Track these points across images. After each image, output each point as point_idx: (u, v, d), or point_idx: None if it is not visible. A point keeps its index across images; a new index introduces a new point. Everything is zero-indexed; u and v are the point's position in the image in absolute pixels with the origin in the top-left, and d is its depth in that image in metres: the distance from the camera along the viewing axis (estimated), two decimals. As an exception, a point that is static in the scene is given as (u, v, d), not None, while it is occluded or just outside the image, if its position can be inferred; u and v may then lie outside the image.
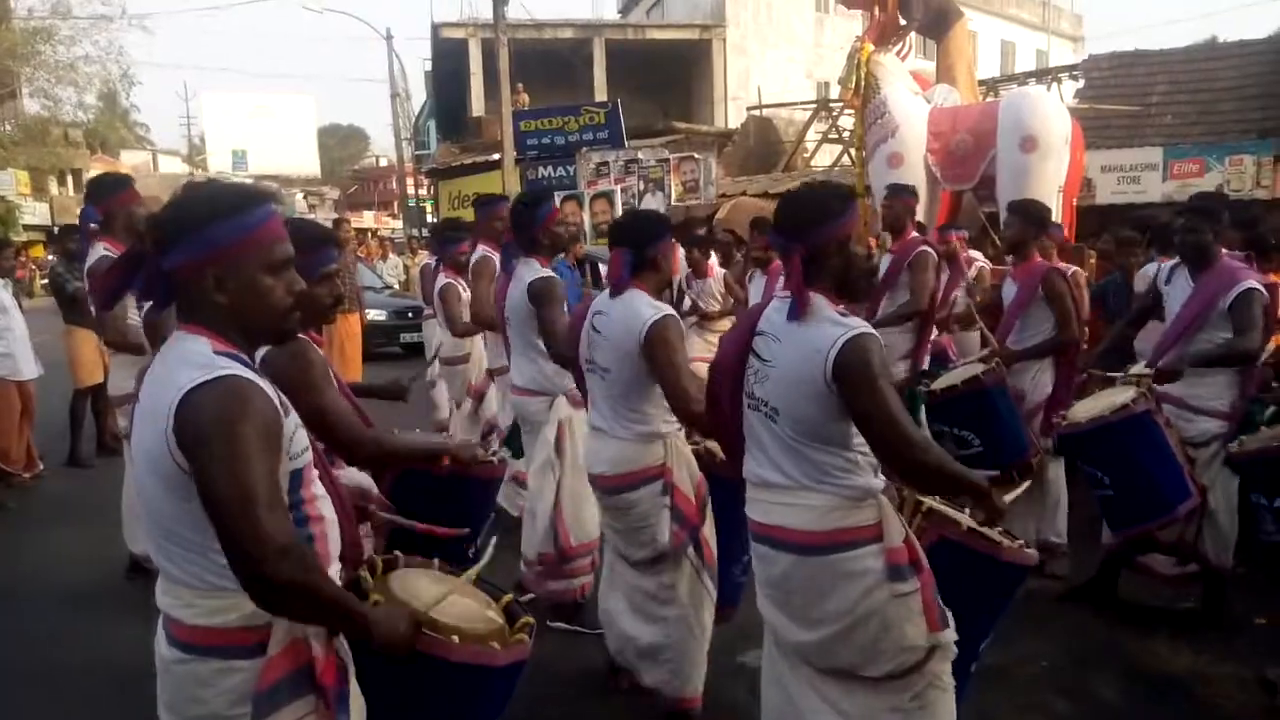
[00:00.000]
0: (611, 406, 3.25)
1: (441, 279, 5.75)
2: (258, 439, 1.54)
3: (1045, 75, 17.57)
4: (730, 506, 2.90)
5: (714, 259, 7.41)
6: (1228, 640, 3.92)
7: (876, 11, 9.45)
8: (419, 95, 33.52)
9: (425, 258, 10.14)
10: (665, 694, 3.28)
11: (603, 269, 8.48)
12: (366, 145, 68.37)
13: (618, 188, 15.13)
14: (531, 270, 3.99)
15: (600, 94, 22.28)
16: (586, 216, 14.66)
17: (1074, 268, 5.72)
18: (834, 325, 2.27)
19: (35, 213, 31.20)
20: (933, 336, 5.59)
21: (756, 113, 19.94)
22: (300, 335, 2.17)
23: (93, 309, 5.13)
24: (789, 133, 19.14)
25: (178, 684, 1.67)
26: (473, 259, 5.21)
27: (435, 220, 20.68)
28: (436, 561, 2.20)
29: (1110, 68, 14.72)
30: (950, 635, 2.33)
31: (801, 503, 2.34)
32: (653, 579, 3.27)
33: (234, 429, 1.52)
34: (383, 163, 56.18)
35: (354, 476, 2.49)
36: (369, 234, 29.97)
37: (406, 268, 16.35)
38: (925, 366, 5.40)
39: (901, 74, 9.15)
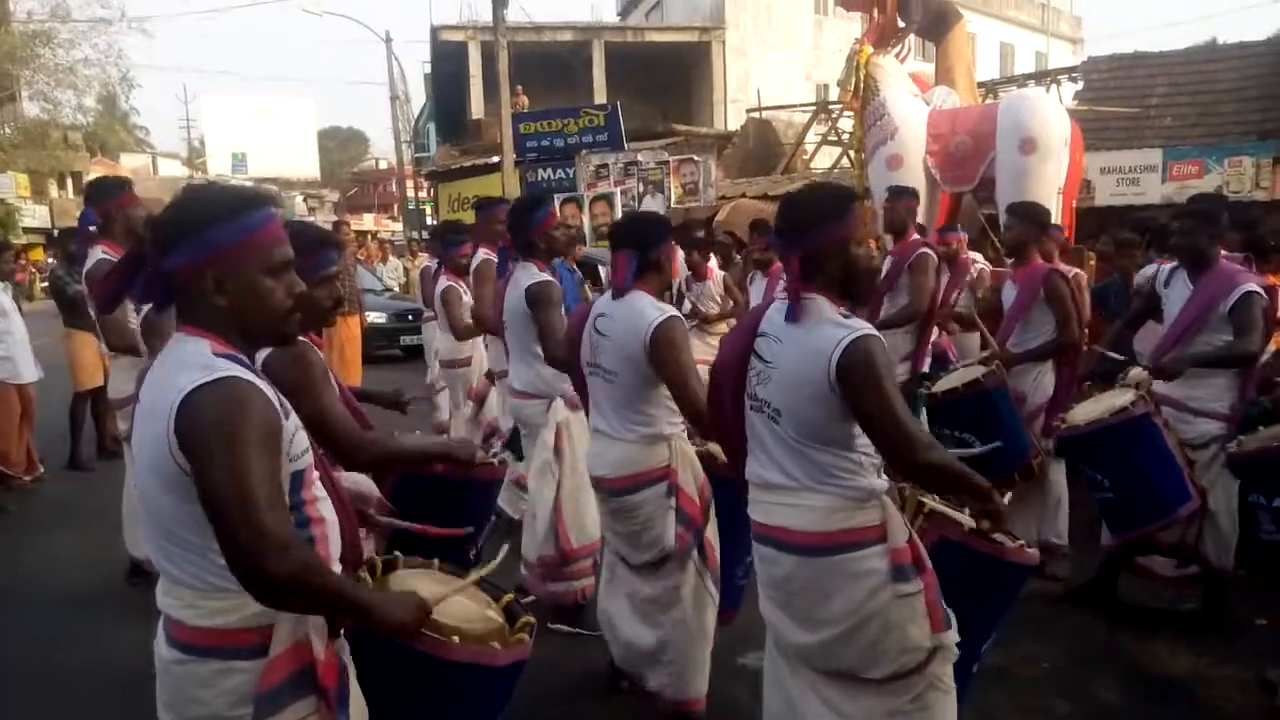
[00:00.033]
0: (615, 409, 3.23)
1: (443, 282, 5.76)
2: (258, 440, 1.54)
3: (1044, 77, 17.58)
4: (732, 509, 2.89)
5: (713, 261, 7.40)
6: (1228, 642, 3.92)
7: (875, 14, 9.45)
8: (419, 98, 33.57)
9: (425, 260, 10.15)
10: (667, 696, 3.27)
11: (602, 271, 8.51)
12: (366, 148, 68.38)
13: (617, 190, 15.11)
14: (529, 274, 3.98)
15: (600, 96, 22.29)
16: (586, 219, 14.63)
17: (1075, 270, 5.72)
18: (836, 327, 2.26)
19: (35, 216, 31.29)
20: (933, 338, 5.60)
21: (756, 115, 19.90)
22: (300, 338, 2.18)
23: (92, 312, 5.12)
24: (788, 135, 19.11)
25: (177, 684, 1.67)
26: (474, 262, 5.21)
27: (435, 223, 20.66)
28: (436, 563, 2.20)
29: (1109, 70, 14.71)
30: (953, 636, 2.33)
31: (804, 504, 2.34)
32: (656, 583, 3.25)
33: (234, 430, 1.52)
34: (382, 165, 56.19)
35: (354, 480, 2.49)
36: (369, 236, 30.10)
37: (406, 270, 16.39)
38: (925, 369, 5.41)
39: (901, 76, 9.14)
